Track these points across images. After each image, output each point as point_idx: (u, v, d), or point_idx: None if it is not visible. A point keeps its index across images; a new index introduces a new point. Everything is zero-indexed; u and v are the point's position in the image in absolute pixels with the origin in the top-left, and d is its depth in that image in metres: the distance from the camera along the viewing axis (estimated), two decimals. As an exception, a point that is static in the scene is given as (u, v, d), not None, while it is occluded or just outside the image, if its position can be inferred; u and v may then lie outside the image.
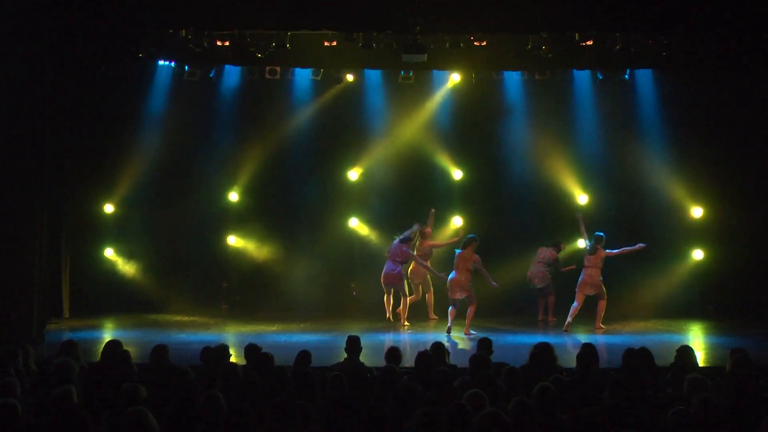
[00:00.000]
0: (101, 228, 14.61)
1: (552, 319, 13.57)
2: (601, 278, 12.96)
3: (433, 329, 13.08)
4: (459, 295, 12.42)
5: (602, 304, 12.97)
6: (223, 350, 7.62)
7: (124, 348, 7.92)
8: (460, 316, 12.51)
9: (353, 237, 15.13)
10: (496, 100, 14.90)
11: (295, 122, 14.96)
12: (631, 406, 5.80)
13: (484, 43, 12.41)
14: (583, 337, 11.80)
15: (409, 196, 14.83)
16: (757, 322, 13.12)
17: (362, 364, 7.93)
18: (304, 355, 7.66)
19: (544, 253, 13.72)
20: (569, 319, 12.82)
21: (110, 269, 14.66)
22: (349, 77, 14.67)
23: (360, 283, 15.06)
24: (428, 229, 13.84)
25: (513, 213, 14.64)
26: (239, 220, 15.07)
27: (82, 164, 14.07)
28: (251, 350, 7.77)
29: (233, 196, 14.98)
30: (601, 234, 13.12)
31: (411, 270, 13.66)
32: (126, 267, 14.70)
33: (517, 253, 14.14)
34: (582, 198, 14.72)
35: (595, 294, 12.98)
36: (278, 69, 14.15)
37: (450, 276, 12.56)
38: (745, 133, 14.11)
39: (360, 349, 8.01)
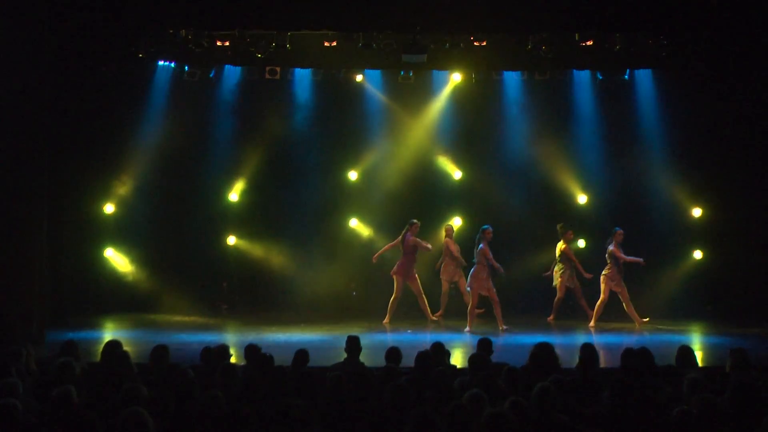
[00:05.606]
0: (101, 228, 14.60)
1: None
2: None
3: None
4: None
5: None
6: (223, 350, 7.62)
7: (124, 348, 7.91)
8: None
9: (353, 237, 15.14)
10: (496, 100, 14.91)
11: (295, 122, 14.97)
12: (631, 406, 5.80)
13: (484, 43, 12.43)
14: (583, 337, 11.80)
15: (409, 196, 14.83)
16: (757, 322, 13.11)
17: (362, 364, 7.93)
18: (301, 355, 7.65)
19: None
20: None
21: (110, 269, 14.66)
22: (359, 77, 14.69)
23: (360, 283, 15.07)
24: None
25: (513, 213, 14.63)
26: (239, 220, 15.08)
27: (83, 164, 14.05)
28: (251, 350, 7.75)
29: (233, 196, 14.99)
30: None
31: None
32: (126, 267, 14.70)
33: (517, 253, 14.14)
34: (582, 198, 14.74)
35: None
36: (278, 69, 14.18)
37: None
38: (745, 134, 14.09)
39: (360, 349, 8.01)
